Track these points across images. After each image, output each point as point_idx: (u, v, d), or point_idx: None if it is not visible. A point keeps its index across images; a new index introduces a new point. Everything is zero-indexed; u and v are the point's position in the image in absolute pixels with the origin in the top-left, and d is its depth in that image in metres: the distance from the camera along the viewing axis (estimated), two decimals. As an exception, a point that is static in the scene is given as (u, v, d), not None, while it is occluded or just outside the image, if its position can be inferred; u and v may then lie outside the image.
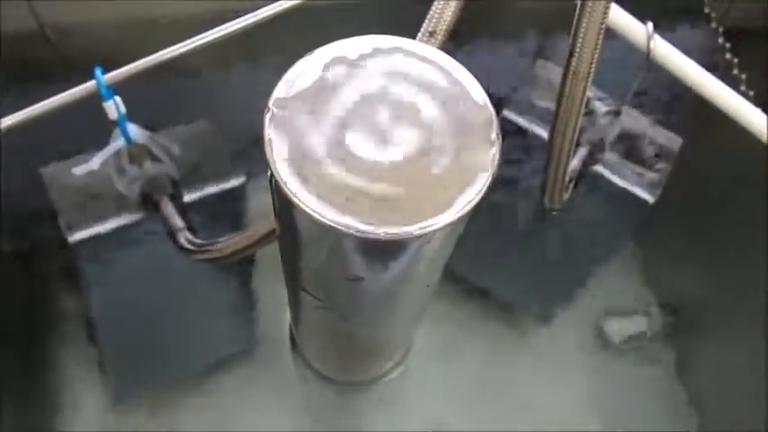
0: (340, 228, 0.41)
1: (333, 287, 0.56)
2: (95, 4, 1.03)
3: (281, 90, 0.46)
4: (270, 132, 0.44)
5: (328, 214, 0.41)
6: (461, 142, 0.44)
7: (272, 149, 0.43)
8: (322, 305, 0.60)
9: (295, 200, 0.42)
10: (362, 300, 0.56)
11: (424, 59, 0.47)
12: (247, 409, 1.10)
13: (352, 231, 0.41)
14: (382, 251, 0.45)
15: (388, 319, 0.63)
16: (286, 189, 0.42)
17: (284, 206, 0.44)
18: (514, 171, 1.01)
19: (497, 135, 0.45)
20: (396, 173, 0.43)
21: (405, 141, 0.44)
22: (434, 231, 0.42)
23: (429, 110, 0.45)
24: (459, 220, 0.42)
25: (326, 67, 0.46)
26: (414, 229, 0.41)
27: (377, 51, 0.47)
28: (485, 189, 0.43)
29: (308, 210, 0.41)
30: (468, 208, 0.42)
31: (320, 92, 0.45)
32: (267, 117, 0.44)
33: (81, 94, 0.81)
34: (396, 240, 0.42)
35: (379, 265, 0.48)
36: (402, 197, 0.42)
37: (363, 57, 0.47)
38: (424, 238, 0.43)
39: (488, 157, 0.44)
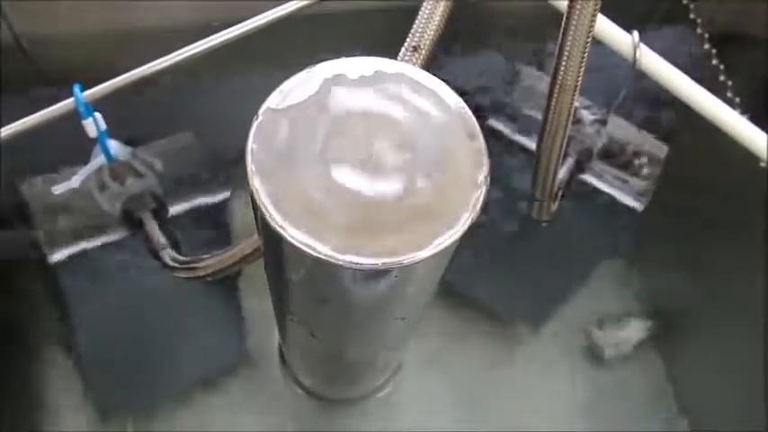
0: (303, 248, 0.40)
1: (303, 305, 0.56)
2: (73, 16, 1.01)
3: (274, 100, 0.45)
4: (254, 141, 0.43)
5: (294, 233, 0.41)
6: (448, 181, 0.43)
7: (252, 159, 0.42)
8: (296, 321, 0.60)
9: (265, 211, 0.41)
10: (331, 321, 0.56)
11: (425, 90, 0.46)
12: (235, 425, 1.09)
13: (313, 253, 0.40)
14: (345, 278, 0.44)
15: (360, 344, 0.62)
16: (257, 198, 0.41)
17: (257, 216, 0.44)
18: (501, 181, 1.00)
19: (485, 178, 0.44)
20: (375, 203, 0.42)
21: (390, 172, 0.43)
22: (400, 268, 0.41)
23: (421, 142, 0.44)
24: (429, 259, 0.41)
25: (325, 83, 0.46)
26: (377, 262, 0.40)
27: (379, 75, 0.46)
28: (461, 232, 0.42)
29: (275, 225, 0.41)
30: (438, 249, 0.41)
31: (313, 107, 0.45)
32: (254, 125, 0.44)
33: (60, 111, 0.79)
34: (358, 270, 0.41)
35: (343, 292, 0.47)
36: (377, 228, 0.41)
37: (364, 78, 0.46)
38: (390, 272, 0.42)
39: (471, 200, 0.43)
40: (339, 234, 0.41)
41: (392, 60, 0.48)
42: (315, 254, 0.40)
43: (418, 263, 0.41)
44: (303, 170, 0.42)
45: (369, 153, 0.43)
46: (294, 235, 0.41)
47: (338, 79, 0.46)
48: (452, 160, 0.44)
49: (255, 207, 0.42)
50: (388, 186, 0.43)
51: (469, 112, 0.46)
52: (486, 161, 0.45)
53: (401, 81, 0.47)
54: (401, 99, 0.46)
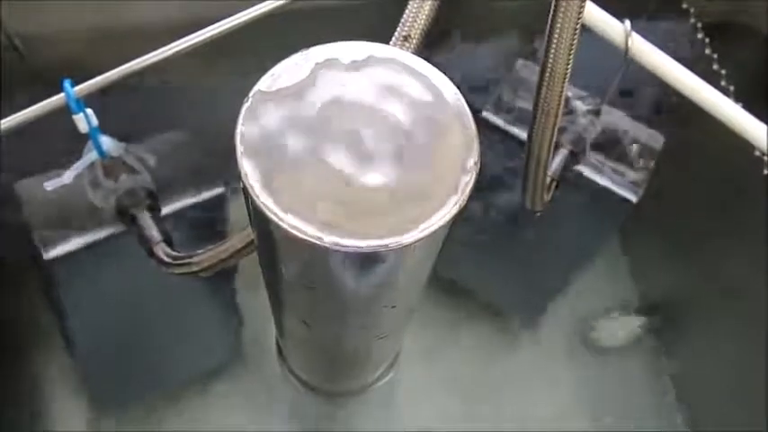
0: (289, 230, 0.40)
1: (293, 290, 0.55)
2: (66, 14, 1.01)
3: (265, 83, 0.45)
4: (243, 123, 0.43)
5: (281, 214, 0.41)
6: (438, 166, 0.43)
7: (241, 141, 0.43)
8: (288, 308, 0.60)
9: (252, 193, 0.41)
10: (320, 308, 0.56)
11: (416, 74, 0.46)
12: (234, 420, 1.09)
13: (299, 235, 0.40)
14: (330, 262, 0.44)
15: (351, 332, 0.62)
16: (246, 180, 0.41)
17: (247, 200, 0.44)
18: (496, 173, 1.00)
19: (475, 163, 0.44)
20: (363, 187, 0.42)
21: (380, 156, 0.43)
22: (385, 252, 0.41)
23: (412, 127, 0.44)
24: (416, 244, 0.41)
25: (317, 67, 0.46)
26: (362, 244, 0.40)
27: (371, 59, 0.46)
28: (449, 217, 0.42)
29: (262, 206, 0.41)
30: (424, 234, 0.41)
31: (304, 91, 0.45)
32: (244, 108, 0.44)
33: (51, 107, 0.79)
34: (343, 252, 0.41)
35: (329, 276, 0.47)
36: (364, 212, 0.41)
37: (356, 63, 0.46)
38: (376, 257, 0.42)
39: (460, 185, 0.43)
40: (326, 216, 0.41)
41: (385, 45, 0.48)
42: (301, 235, 0.40)
43: (404, 247, 0.41)
44: (292, 152, 0.43)
45: (359, 137, 0.43)
46: (281, 216, 0.41)
47: (330, 63, 0.46)
48: (443, 145, 0.44)
49: (245, 190, 0.43)
50: (378, 170, 0.43)
51: (462, 98, 0.46)
52: (476, 147, 0.44)
53: (394, 66, 0.46)
54: (393, 84, 0.46)
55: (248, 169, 0.42)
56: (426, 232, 0.41)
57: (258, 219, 0.44)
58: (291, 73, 0.45)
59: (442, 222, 0.42)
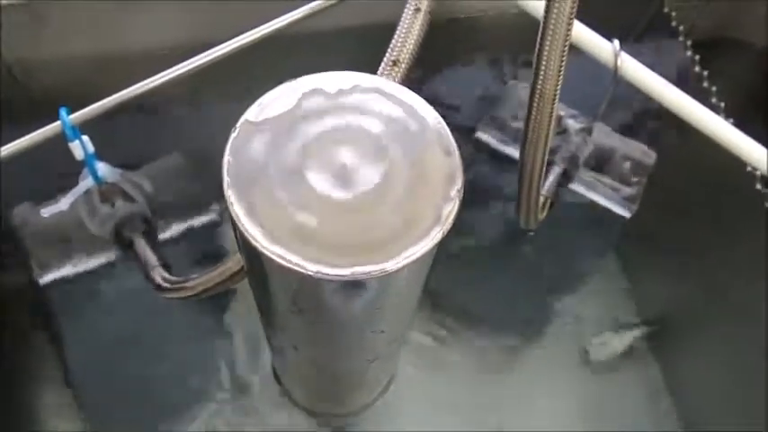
0: (274, 258, 0.41)
1: (282, 316, 0.56)
2: (63, 42, 1.02)
3: (252, 113, 0.46)
4: (230, 154, 0.44)
5: (266, 243, 0.41)
6: (421, 194, 0.44)
7: (228, 171, 0.43)
8: (279, 333, 0.60)
9: (239, 222, 0.42)
10: (309, 333, 0.57)
11: (400, 103, 0.47)
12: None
13: (284, 263, 0.41)
14: (316, 289, 0.45)
15: (341, 356, 0.63)
16: (232, 209, 0.42)
17: (235, 229, 0.45)
18: (490, 192, 1.01)
19: (458, 191, 0.44)
20: (348, 215, 0.43)
21: (364, 184, 0.43)
22: (369, 279, 0.41)
23: (396, 156, 0.45)
24: (400, 271, 0.42)
25: (303, 96, 0.47)
26: (346, 272, 0.41)
27: (356, 89, 0.47)
28: (432, 244, 0.43)
29: (248, 235, 0.42)
30: (407, 261, 0.42)
31: (290, 121, 0.46)
32: (231, 138, 0.45)
33: (47, 134, 0.80)
34: (327, 280, 0.41)
35: (316, 303, 0.48)
36: (349, 240, 0.42)
37: (342, 92, 0.47)
38: (360, 284, 0.42)
39: (443, 213, 0.43)
40: (311, 245, 0.41)
41: (371, 75, 0.49)
42: (285, 264, 0.41)
43: (388, 274, 0.42)
44: (278, 182, 0.43)
45: (344, 166, 0.44)
46: (266, 245, 0.41)
47: (316, 92, 0.47)
48: (427, 174, 0.45)
49: (232, 219, 0.43)
50: (362, 199, 0.43)
51: (446, 127, 0.47)
52: (459, 175, 0.45)
53: (379, 95, 0.47)
54: (378, 113, 0.46)
55: (234, 199, 0.43)
56: (410, 260, 0.42)
57: (245, 247, 0.44)
58: (278, 102, 0.46)
59: (425, 250, 0.42)
